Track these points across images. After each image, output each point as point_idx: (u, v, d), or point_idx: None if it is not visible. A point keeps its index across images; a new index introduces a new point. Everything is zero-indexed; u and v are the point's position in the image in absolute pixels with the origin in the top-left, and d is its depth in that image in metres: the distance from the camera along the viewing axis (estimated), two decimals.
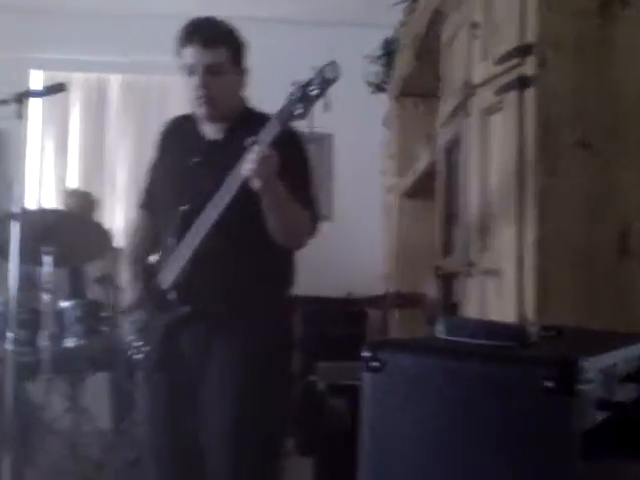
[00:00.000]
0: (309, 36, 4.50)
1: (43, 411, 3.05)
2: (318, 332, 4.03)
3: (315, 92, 1.67)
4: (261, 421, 1.88)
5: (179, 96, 4.69)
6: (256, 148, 1.70)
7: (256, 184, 1.71)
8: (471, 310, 2.10)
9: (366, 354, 1.12)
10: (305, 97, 1.67)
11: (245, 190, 1.75)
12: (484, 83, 2.05)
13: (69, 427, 3.37)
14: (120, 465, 3.12)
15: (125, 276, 2.09)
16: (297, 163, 1.93)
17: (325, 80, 1.67)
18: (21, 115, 2.39)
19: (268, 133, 1.73)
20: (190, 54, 1.87)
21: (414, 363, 1.09)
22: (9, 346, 2.38)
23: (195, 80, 1.87)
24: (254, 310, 1.91)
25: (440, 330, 1.19)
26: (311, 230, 1.95)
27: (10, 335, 2.37)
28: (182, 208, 1.89)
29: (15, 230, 2.34)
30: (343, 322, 4.27)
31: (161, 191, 2.04)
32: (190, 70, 1.88)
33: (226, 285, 1.91)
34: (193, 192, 1.88)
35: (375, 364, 1.11)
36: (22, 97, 2.38)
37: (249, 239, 1.89)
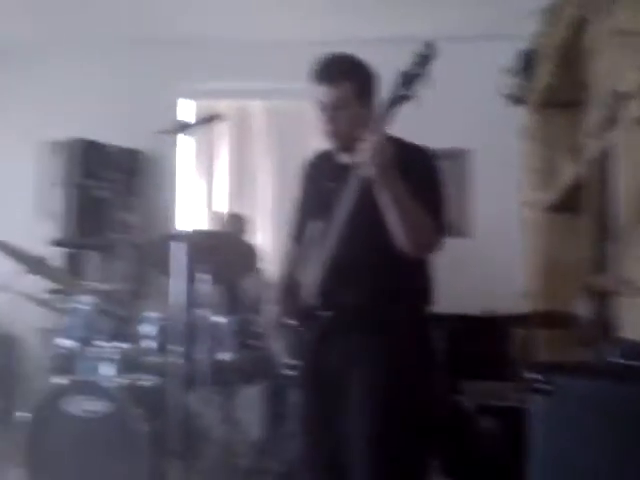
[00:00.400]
0: (441, 52, 4.52)
1: (199, 420, 3.24)
2: (461, 350, 3.99)
3: (415, 71, 1.77)
4: (399, 440, 1.92)
5: (317, 123, 4.89)
6: (368, 136, 1.78)
7: (371, 172, 1.78)
8: (630, 331, 2.01)
9: (534, 376, 1.06)
10: (407, 79, 1.77)
11: (370, 198, 1.82)
12: (635, 92, 1.99)
13: (222, 436, 3.55)
14: (270, 476, 3.24)
15: (275, 298, 2.23)
16: (424, 176, 1.98)
17: (422, 58, 1.76)
18: (177, 143, 2.57)
19: (378, 121, 1.82)
20: (318, 91, 2.02)
21: (590, 387, 1.02)
22: (173, 359, 2.56)
23: (323, 115, 2.02)
24: (392, 326, 1.96)
25: (613, 354, 1.12)
26: (436, 241, 1.97)
27: (173, 349, 2.56)
28: (318, 224, 2.02)
29: (178, 250, 2.51)
30: (486, 340, 4.19)
31: (305, 218, 2.18)
32: (319, 106, 2.03)
33: (362, 299, 1.97)
34: (328, 209, 1.98)
35: (545, 387, 1.05)
36: (183, 127, 2.57)
37: (383, 254, 1.94)
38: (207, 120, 2.62)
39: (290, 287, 2.18)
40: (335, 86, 2.00)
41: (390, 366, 1.93)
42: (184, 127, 2.56)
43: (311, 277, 2.02)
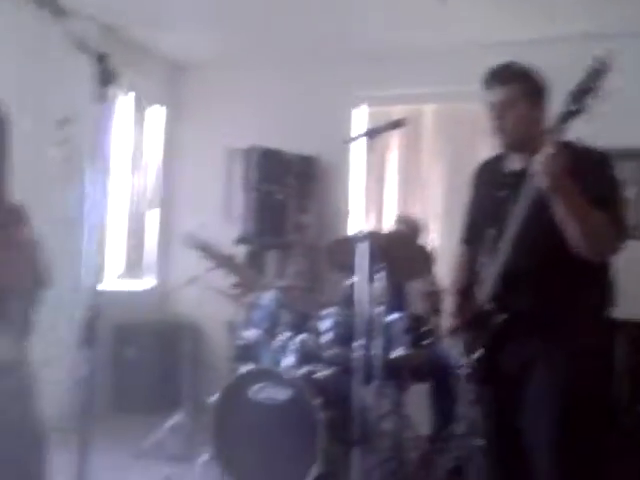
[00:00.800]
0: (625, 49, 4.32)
1: (371, 413, 3.36)
2: None
3: (587, 86, 1.77)
4: (581, 446, 1.93)
5: (487, 124, 4.87)
6: (543, 149, 1.82)
7: (545, 182, 1.81)
8: None
9: None
10: (579, 93, 1.79)
11: (544, 204, 1.85)
12: None
13: (392, 430, 3.65)
14: (438, 471, 3.29)
15: (449, 301, 2.31)
16: (601, 180, 1.97)
17: (595, 72, 1.76)
18: (350, 149, 2.65)
19: (553, 133, 1.85)
20: (489, 93, 2.12)
21: None
22: (352, 353, 2.70)
23: (492, 115, 2.11)
24: (570, 332, 1.96)
25: None
26: (615, 245, 1.96)
27: (356, 344, 2.70)
28: (491, 231, 2.07)
29: (361, 250, 2.65)
30: None
31: (477, 224, 2.24)
32: (489, 106, 2.12)
33: (539, 305, 1.98)
34: (500, 217, 2.03)
35: None
36: (370, 133, 2.68)
37: (560, 259, 1.94)
38: (392, 126, 2.71)
39: (463, 290, 2.25)
40: (505, 86, 2.08)
41: (569, 371, 1.94)
42: (369, 134, 2.67)
43: (485, 282, 2.08)
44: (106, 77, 1.89)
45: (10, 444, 0.83)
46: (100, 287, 1.99)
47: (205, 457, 3.37)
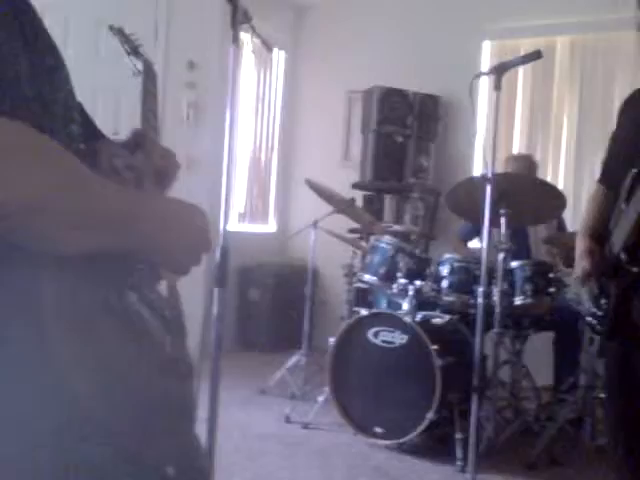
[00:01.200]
0: None
1: (488, 361, 3.32)
2: None
3: None
4: None
5: (627, 53, 4.52)
6: None
7: None
8: None
9: None
10: None
11: None
12: None
13: (510, 380, 3.60)
14: (559, 423, 3.22)
15: (580, 246, 2.16)
16: None
17: None
18: (498, 86, 2.51)
19: None
20: None
21: None
22: (479, 300, 2.65)
23: None
24: None
25: None
26: None
27: (480, 290, 2.64)
28: (633, 170, 1.87)
29: (485, 194, 2.55)
30: None
31: (619, 163, 2.02)
32: None
33: None
34: None
35: None
36: (501, 69, 2.53)
37: None
38: (524, 59, 2.55)
39: (596, 236, 2.11)
40: None
41: None
42: (498, 69, 2.52)
43: (620, 229, 1.93)
44: (237, 18, 1.89)
45: (169, 378, 0.87)
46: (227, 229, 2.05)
47: (323, 397, 3.46)
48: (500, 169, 4.62)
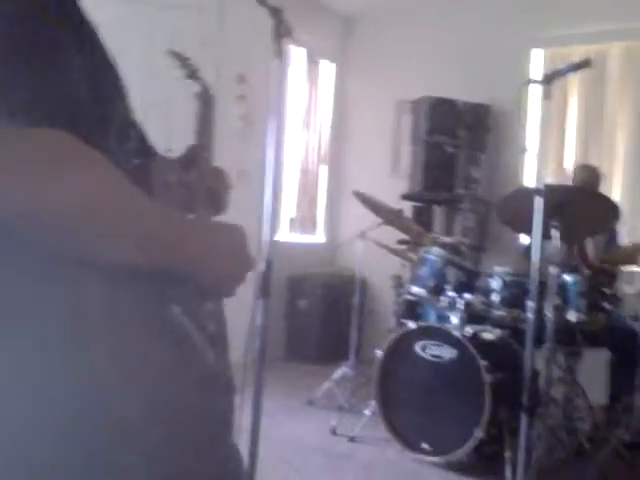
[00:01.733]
0: None
1: (540, 378, 3.23)
2: None
3: None
4: None
5: None
6: None
7: None
8: None
9: None
10: None
11: None
12: None
13: (562, 397, 3.49)
14: (614, 446, 3.11)
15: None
16: None
17: None
18: (548, 95, 2.46)
19: None
20: None
21: None
22: (529, 315, 2.58)
23: None
24: None
25: None
26: None
27: (530, 304, 2.57)
28: None
29: (537, 205, 2.49)
30: None
31: None
32: None
33: None
34: None
35: None
36: (549, 77, 2.47)
37: None
38: (574, 67, 2.48)
39: None
40: None
41: None
42: (549, 77, 2.46)
43: None
44: (281, 31, 1.91)
45: (209, 390, 0.87)
46: (275, 240, 2.06)
47: (370, 410, 3.43)
48: (554, 180, 4.55)
